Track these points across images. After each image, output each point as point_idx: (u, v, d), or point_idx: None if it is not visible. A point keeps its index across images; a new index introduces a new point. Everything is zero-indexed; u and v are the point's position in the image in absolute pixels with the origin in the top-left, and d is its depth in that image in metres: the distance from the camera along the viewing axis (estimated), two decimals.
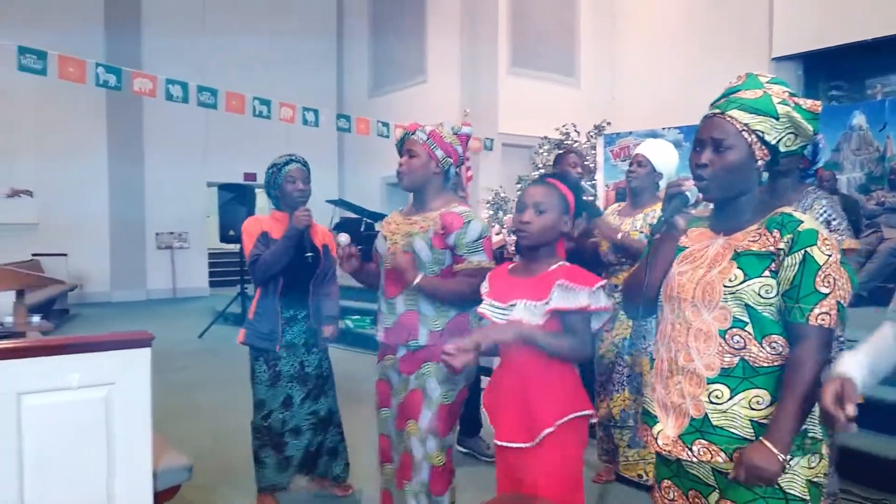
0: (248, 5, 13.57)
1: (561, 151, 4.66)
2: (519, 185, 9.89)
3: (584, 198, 2.39)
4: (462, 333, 2.43)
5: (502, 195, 9.98)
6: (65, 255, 11.00)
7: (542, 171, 7.79)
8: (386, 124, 9.27)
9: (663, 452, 1.67)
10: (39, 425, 2.24)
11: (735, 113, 1.59)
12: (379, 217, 10.02)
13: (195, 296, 13.03)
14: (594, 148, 9.74)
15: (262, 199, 14.27)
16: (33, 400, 2.23)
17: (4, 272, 4.01)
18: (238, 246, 9.43)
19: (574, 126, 10.23)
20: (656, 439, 1.69)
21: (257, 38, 13.43)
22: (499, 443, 2.08)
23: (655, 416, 1.71)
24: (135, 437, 2.40)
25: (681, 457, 1.64)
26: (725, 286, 1.57)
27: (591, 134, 10.15)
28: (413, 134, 2.57)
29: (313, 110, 8.57)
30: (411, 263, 2.41)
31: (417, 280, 2.39)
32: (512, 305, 2.06)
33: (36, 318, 4.32)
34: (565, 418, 2.02)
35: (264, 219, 3.26)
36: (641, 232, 3.27)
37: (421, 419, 2.44)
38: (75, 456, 2.31)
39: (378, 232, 2.73)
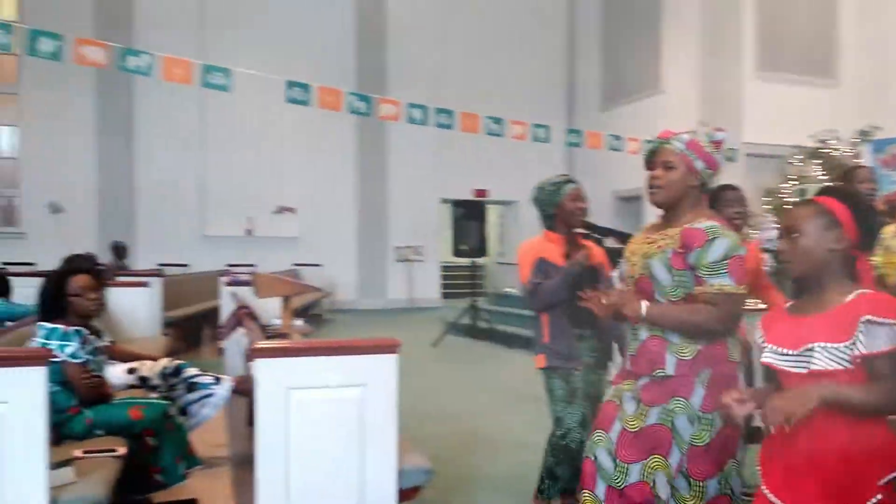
0: (482, 25, 14.19)
1: (853, 165, 4.14)
2: (768, 199, 9.08)
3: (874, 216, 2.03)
4: (717, 364, 2.21)
5: (748, 210, 9.23)
6: (320, 265, 12.26)
7: (797, 183, 7.06)
8: (618, 137, 9.04)
9: None
10: (304, 418, 2.50)
11: None
12: (609, 233, 9.78)
13: (429, 306, 13.77)
14: (857, 156, 8.63)
15: (492, 215, 14.77)
16: (300, 395, 2.49)
17: (277, 280, 4.55)
18: (470, 260, 9.82)
19: (834, 132, 9.17)
20: None
21: (489, 56, 14.00)
22: None
23: None
24: (383, 436, 2.57)
25: None
26: None
27: (855, 140, 9.00)
28: (667, 143, 2.29)
29: (544, 126, 8.63)
30: (632, 296, 2.22)
31: (643, 311, 2.19)
32: (808, 351, 1.75)
33: (298, 322, 4.83)
34: (886, 479, 1.71)
35: (540, 242, 3.22)
36: None
37: (670, 457, 2.23)
38: (332, 447, 2.53)
39: (608, 248, 2.63)
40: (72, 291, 3.18)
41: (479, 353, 8.55)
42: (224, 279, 7.08)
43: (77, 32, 6.81)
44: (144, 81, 8.98)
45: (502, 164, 13.65)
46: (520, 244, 3.28)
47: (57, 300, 3.18)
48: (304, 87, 7.34)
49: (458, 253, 9.73)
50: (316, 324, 10.57)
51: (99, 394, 3.23)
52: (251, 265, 10.17)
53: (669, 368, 2.24)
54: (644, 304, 2.21)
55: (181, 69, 6.62)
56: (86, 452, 2.73)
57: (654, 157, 2.33)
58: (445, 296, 14.46)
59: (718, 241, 2.16)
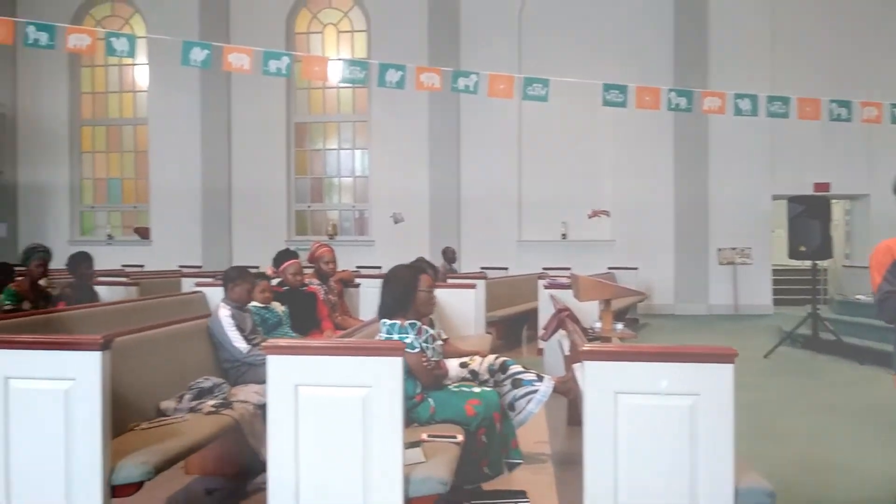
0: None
1: None
2: None
3: None
4: None
5: None
6: (635, 268, 12.00)
7: None
8: None
9: None
10: (632, 423, 2.43)
11: None
12: None
13: (758, 313, 12.61)
14: None
15: (837, 211, 12.99)
16: (628, 399, 2.44)
17: (598, 283, 4.54)
18: (810, 263, 8.77)
19: None
20: None
21: (827, 32, 12.43)
22: None
23: None
24: (718, 450, 2.39)
25: None
26: None
27: None
28: None
29: None
30: None
31: None
32: None
33: (619, 326, 4.74)
34: None
35: None
36: None
37: None
38: (662, 457, 2.42)
39: None
40: (420, 289, 3.57)
41: (822, 367, 7.56)
42: (542, 282, 7.31)
43: (416, 62, 7.66)
44: (469, 97, 9.73)
45: (849, 152, 11.95)
46: (878, 246, 2.78)
47: (406, 296, 3.56)
48: (622, 88, 7.26)
49: (795, 255, 8.72)
50: (633, 328, 10.37)
51: (436, 376, 3.56)
52: (566, 268, 10.37)
53: None
54: None
55: (504, 84, 7.03)
56: (430, 436, 3.01)
57: None
58: (778, 302, 13.10)
59: None
